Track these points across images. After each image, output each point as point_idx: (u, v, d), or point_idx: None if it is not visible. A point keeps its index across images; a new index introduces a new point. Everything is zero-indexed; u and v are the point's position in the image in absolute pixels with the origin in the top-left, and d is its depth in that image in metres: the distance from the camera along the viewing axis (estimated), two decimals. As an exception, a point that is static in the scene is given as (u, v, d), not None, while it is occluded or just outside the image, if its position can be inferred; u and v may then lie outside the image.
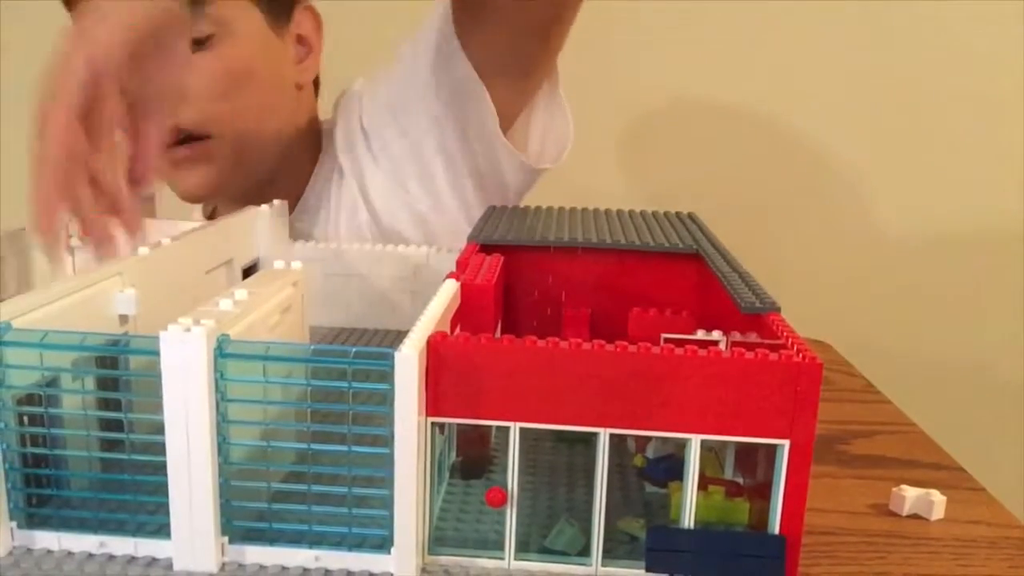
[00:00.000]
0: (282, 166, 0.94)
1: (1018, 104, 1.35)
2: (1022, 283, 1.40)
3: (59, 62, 0.54)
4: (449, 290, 0.48)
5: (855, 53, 1.36)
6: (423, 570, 0.42)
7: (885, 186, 1.40)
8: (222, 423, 0.41)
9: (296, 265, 0.54)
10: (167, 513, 0.41)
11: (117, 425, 0.43)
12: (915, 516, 0.53)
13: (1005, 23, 1.33)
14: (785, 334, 0.43)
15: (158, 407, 0.40)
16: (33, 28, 1.35)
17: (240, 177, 0.90)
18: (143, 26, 0.56)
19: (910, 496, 0.53)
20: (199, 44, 0.83)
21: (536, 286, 0.62)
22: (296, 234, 0.86)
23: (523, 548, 0.43)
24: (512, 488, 0.42)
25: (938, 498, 0.53)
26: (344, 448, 0.41)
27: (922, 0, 1.32)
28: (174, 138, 0.84)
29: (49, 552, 0.42)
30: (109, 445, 0.44)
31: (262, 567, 0.42)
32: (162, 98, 0.61)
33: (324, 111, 1.01)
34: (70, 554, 0.42)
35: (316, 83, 1.00)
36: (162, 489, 0.41)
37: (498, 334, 0.57)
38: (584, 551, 0.43)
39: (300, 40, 0.94)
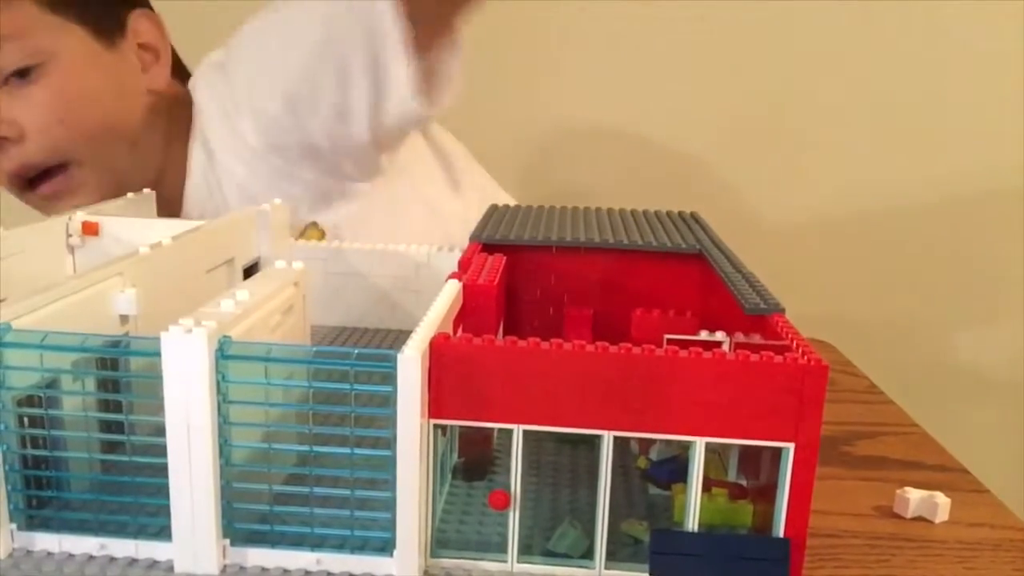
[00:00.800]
0: (164, 165, 0.93)
1: (1018, 104, 1.35)
2: (1024, 283, 1.40)
3: None
4: (451, 291, 0.48)
5: (857, 52, 1.35)
6: (425, 573, 0.42)
7: (887, 186, 1.40)
8: (223, 425, 0.40)
9: (297, 265, 0.54)
10: (168, 515, 0.41)
11: (118, 427, 0.42)
12: (919, 518, 0.53)
13: (1005, 23, 1.33)
14: (790, 336, 0.43)
15: (159, 409, 0.40)
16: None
17: (124, 188, 0.85)
18: None
19: (914, 498, 0.53)
20: (22, 76, 0.83)
21: (538, 286, 0.62)
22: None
23: (526, 551, 0.43)
24: (515, 490, 0.41)
25: (942, 500, 0.53)
26: (346, 450, 0.40)
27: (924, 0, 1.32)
28: (26, 175, 0.84)
29: (49, 554, 0.42)
30: (110, 447, 0.44)
31: (263, 570, 0.42)
32: None
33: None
34: (70, 556, 0.42)
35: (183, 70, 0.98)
36: (163, 491, 0.41)
37: (500, 335, 0.57)
38: (587, 554, 0.42)
39: (143, 47, 0.93)
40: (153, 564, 0.42)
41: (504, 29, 1.10)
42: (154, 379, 0.40)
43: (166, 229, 0.62)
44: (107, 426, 0.44)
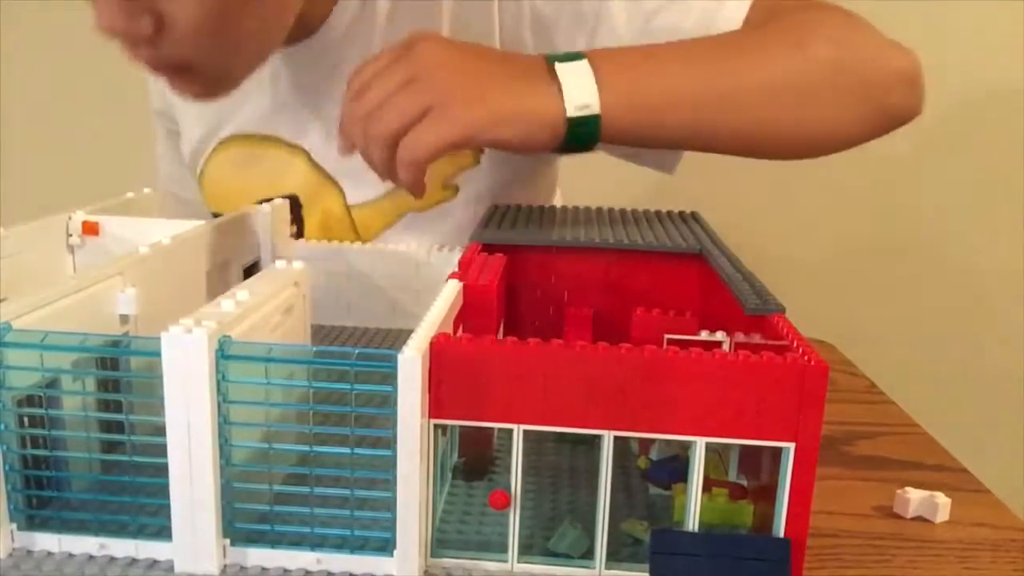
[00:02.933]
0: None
1: (1019, 104, 1.35)
2: (1024, 283, 1.40)
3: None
4: (452, 291, 0.48)
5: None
6: (426, 573, 0.42)
7: (888, 186, 1.40)
8: (224, 425, 0.40)
9: (298, 265, 0.54)
10: (168, 515, 0.41)
11: (118, 427, 0.42)
12: (919, 518, 0.53)
13: (1006, 23, 1.33)
14: (790, 336, 0.43)
15: (159, 409, 0.40)
16: (33, 28, 1.35)
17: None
18: None
19: (914, 498, 0.53)
20: None
21: (538, 286, 0.62)
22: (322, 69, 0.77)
23: (526, 551, 0.43)
24: (515, 490, 0.41)
25: (943, 500, 0.53)
26: (346, 450, 0.40)
27: (925, 1, 1.32)
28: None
29: (49, 554, 0.42)
30: (110, 447, 0.44)
31: (264, 569, 0.42)
32: None
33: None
34: (70, 556, 0.42)
35: None
36: (163, 491, 0.41)
37: (500, 335, 0.57)
38: (588, 554, 0.42)
39: None
40: (153, 564, 0.42)
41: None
42: (154, 379, 0.40)
43: (166, 229, 0.62)
44: (107, 426, 0.44)
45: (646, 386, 0.39)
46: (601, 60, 0.58)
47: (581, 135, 0.57)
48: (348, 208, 0.86)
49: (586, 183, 0.97)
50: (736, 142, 0.65)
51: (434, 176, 0.75)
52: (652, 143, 0.61)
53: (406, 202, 0.84)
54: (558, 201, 0.97)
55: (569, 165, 0.96)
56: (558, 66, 0.58)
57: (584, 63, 0.58)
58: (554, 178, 0.95)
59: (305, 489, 0.41)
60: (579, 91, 0.56)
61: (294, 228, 0.83)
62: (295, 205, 0.87)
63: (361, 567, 0.42)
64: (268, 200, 0.72)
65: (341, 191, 0.86)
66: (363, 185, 0.84)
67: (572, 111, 0.56)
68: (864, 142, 0.69)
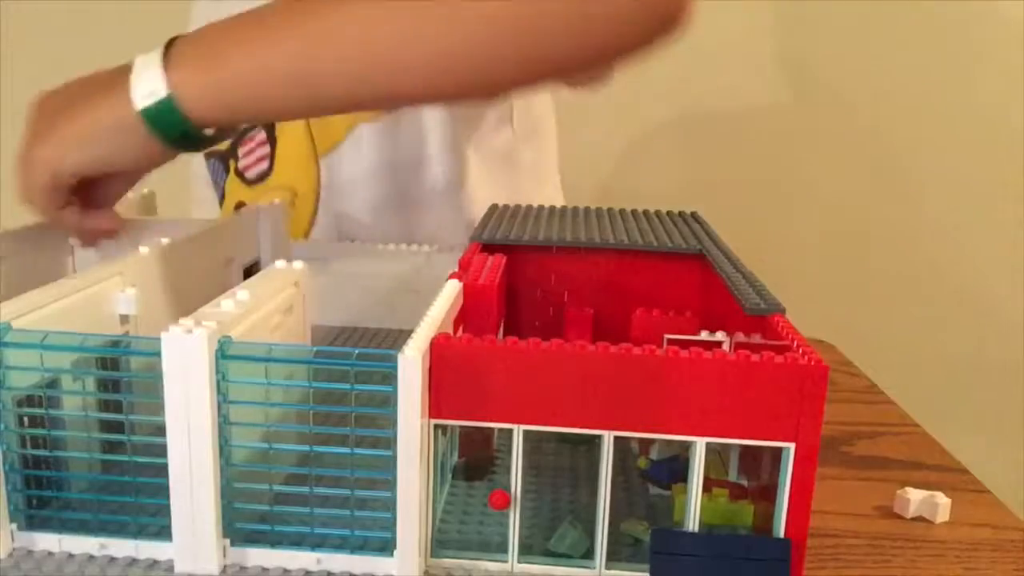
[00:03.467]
0: None
1: (1019, 105, 1.35)
2: (1025, 283, 1.40)
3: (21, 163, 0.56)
4: (452, 291, 0.48)
5: (858, 52, 1.35)
6: (426, 573, 0.42)
7: (887, 186, 1.40)
8: (224, 425, 0.40)
9: (298, 265, 0.54)
10: (168, 515, 0.41)
11: (118, 427, 0.42)
12: (920, 519, 0.53)
13: (1006, 23, 1.33)
14: (790, 336, 0.43)
15: (159, 409, 0.40)
16: (33, 28, 1.35)
17: None
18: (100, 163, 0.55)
19: (915, 498, 0.53)
20: None
21: (539, 286, 0.62)
22: None
23: (526, 551, 0.43)
24: (515, 490, 0.41)
25: (943, 500, 0.53)
26: (346, 450, 0.40)
27: (925, 1, 1.32)
28: None
29: (50, 554, 0.42)
30: (110, 447, 0.44)
31: (264, 569, 0.42)
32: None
33: None
34: (71, 556, 0.42)
35: None
36: (163, 491, 0.41)
37: (500, 335, 0.57)
38: (588, 554, 0.42)
39: None
40: (153, 564, 0.42)
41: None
42: (154, 379, 0.40)
43: (166, 229, 0.62)
44: (107, 426, 0.44)
45: (646, 386, 0.39)
46: (180, 43, 0.54)
47: (163, 123, 0.52)
48: (308, 121, 0.85)
49: (586, 183, 0.97)
50: (375, 101, 0.57)
51: None
52: (270, 116, 0.57)
53: (357, 114, 0.83)
54: (559, 200, 0.96)
55: (570, 165, 0.96)
56: (136, 62, 0.54)
57: (157, 52, 0.54)
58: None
59: (305, 489, 0.41)
60: (145, 81, 0.52)
61: (266, 163, 0.85)
62: (271, 124, 0.86)
63: (361, 567, 0.42)
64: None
65: None
66: None
67: (140, 102, 0.52)
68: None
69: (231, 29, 0.53)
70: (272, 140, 0.87)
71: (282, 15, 0.52)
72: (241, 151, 0.90)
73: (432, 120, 0.84)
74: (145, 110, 0.52)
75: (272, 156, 0.87)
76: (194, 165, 0.95)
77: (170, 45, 0.53)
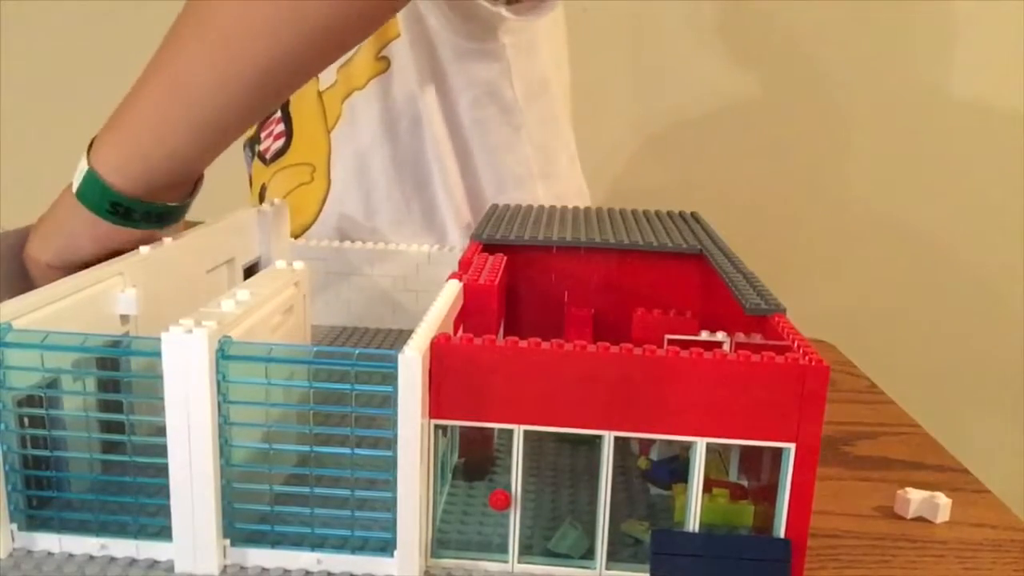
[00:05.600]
0: None
1: (1019, 105, 1.35)
2: (1025, 283, 1.40)
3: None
4: (452, 291, 0.48)
5: (858, 52, 1.35)
6: (426, 573, 0.42)
7: (888, 186, 1.40)
8: (224, 425, 0.40)
9: (298, 265, 0.54)
10: (168, 515, 0.41)
11: (118, 427, 0.42)
12: (920, 519, 0.53)
13: (1006, 24, 1.33)
14: (790, 336, 0.43)
15: (159, 409, 0.40)
16: (33, 28, 1.35)
17: None
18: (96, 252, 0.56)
19: (915, 499, 0.53)
20: None
21: (539, 286, 0.62)
22: None
23: (527, 551, 0.43)
24: (515, 490, 0.41)
25: (943, 501, 0.53)
26: (347, 450, 0.40)
27: (925, 1, 1.32)
28: None
29: (50, 554, 0.42)
30: (110, 447, 0.44)
31: (264, 570, 0.42)
32: None
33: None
34: (71, 556, 0.42)
35: None
36: (163, 491, 0.41)
37: (501, 335, 0.57)
38: (588, 554, 0.42)
39: None
40: (153, 564, 0.42)
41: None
42: (154, 379, 0.40)
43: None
44: (107, 426, 0.44)
45: (647, 386, 0.39)
46: (102, 129, 0.57)
47: (91, 196, 0.55)
48: (320, 95, 0.87)
49: (587, 183, 0.97)
50: (248, 116, 0.58)
51: (366, 51, 0.83)
52: (185, 157, 0.57)
53: (348, 82, 0.85)
54: (584, 200, 0.95)
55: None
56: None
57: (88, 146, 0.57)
58: (485, 74, 0.88)
59: (305, 489, 0.41)
60: (79, 168, 0.56)
61: (283, 140, 0.88)
62: (286, 103, 0.88)
63: (361, 568, 0.42)
64: None
65: (316, 78, 0.85)
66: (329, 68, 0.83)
67: (75, 184, 0.56)
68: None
69: (125, 100, 0.56)
70: (287, 118, 0.89)
71: (151, 65, 0.55)
72: (263, 134, 0.91)
73: (425, 81, 0.84)
74: (77, 189, 0.55)
75: (288, 134, 0.89)
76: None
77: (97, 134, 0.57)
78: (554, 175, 0.90)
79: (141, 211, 0.56)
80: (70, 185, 0.56)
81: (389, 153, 0.85)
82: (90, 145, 0.56)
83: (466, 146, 0.86)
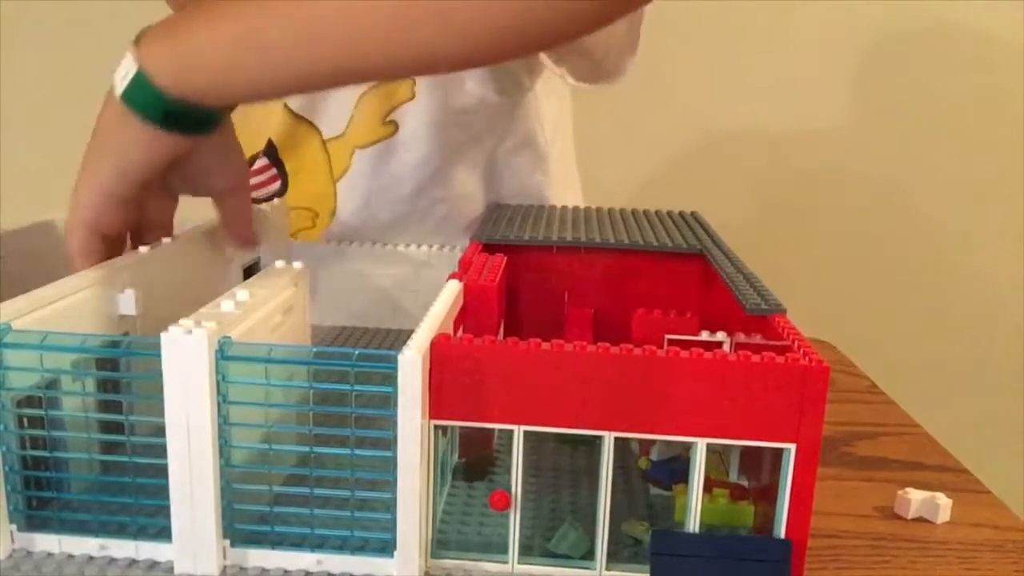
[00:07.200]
0: None
1: (1019, 103, 1.35)
2: (1025, 283, 1.40)
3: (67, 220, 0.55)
4: (452, 291, 0.48)
5: (857, 53, 1.35)
6: (426, 574, 0.42)
7: (888, 186, 1.40)
8: (224, 425, 0.40)
9: (297, 265, 0.54)
10: (168, 516, 0.41)
11: (118, 427, 0.42)
12: (921, 519, 0.53)
13: (1006, 24, 1.33)
14: (791, 336, 0.43)
15: (159, 409, 0.40)
16: (33, 28, 1.35)
17: None
18: (132, 178, 0.54)
19: (915, 499, 0.53)
20: None
21: (539, 286, 0.62)
22: None
23: (527, 552, 0.43)
24: (515, 491, 0.41)
25: (944, 501, 0.53)
26: (347, 451, 0.40)
27: (925, 1, 1.32)
28: None
29: (49, 555, 0.42)
30: (110, 447, 0.44)
31: (264, 570, 0.42)
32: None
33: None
34: (70, 557, 0.42)
35: None
36: (163, 492, 0.41)
37: (501, 335, 0.57)
38: (588, 554, 0.42)
39: None
40: (153, 565, 0.42)
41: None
42: (154, 380, 0.40)
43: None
44: (107, 427, 0.44)
45: (647, 387, 0.39)
46: (150, 27, 0.54)
47: (141, 102, 0.52)
48: (325, 144, 0.84)
49: (587, 183, 0.97)
50: (357, 74, 0.55)
51: (372, 113, 0.79)
52: (255, 87, 0.54)
53: (353, 139, 0.82)
54: (580, 199, 0.95)
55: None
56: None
57: (133, 44, 0.54)
58: (522, 124, 0.86)
59: (305, 490, 0.41)
60: (122, 68, 0.53)
61: (278, 183, 0.85)
62: (273, 150, 0.85)
63: (361, 568, 0.42)
64: (253, 156, 0.73)
65: (318, 130, 0.84)
66: (335, 117, 0.82)
67: (119, 87, 0.52)
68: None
69: (198, 6, 0.52)
70: (278, 163, 0.86)
71: None
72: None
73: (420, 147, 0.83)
74: (124, 93, 0.52)
75: (283, 177, 0.86)
76: None
77: (143, 32, 0.54)
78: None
79: (200, 123, 0.54)
80: (102, 107, 0.54)
81: (394, 208, 0.83)
82: (136, 41, 0.53)
83: (498, 193, 0.84)
